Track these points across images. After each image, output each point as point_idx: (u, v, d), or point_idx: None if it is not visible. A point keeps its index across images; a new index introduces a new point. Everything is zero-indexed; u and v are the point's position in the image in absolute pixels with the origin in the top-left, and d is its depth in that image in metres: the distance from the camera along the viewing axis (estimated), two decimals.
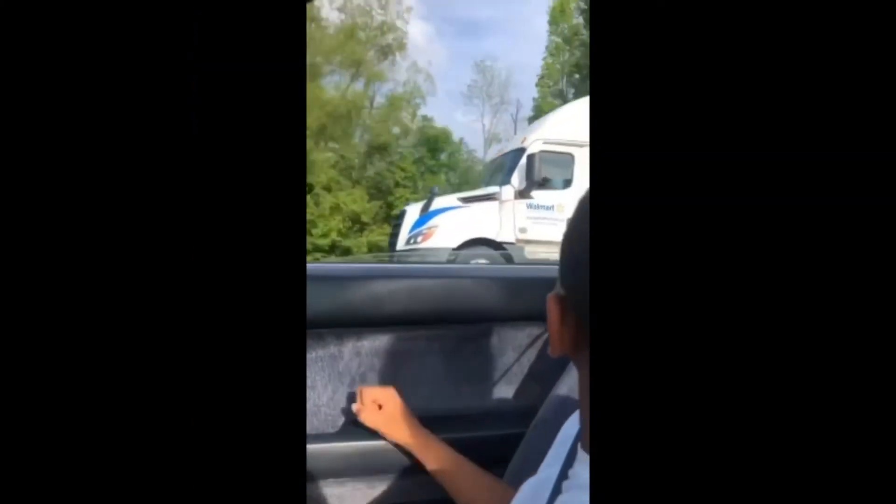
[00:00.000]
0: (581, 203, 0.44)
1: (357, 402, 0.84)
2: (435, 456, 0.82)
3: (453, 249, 5.82)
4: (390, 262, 6.47)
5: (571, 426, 0.56)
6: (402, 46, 18.16)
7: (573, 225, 0.44)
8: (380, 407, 0.83)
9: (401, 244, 6.27)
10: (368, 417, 0.83)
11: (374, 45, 17.63)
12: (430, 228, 5.99)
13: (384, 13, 17.49)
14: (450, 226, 5.99)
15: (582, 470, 0.43)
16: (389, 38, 17.69)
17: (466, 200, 6.31)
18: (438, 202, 6.27)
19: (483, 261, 5.77)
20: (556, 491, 0.45)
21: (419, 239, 6.01)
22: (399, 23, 17.77)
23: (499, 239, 5.96)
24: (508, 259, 5.79)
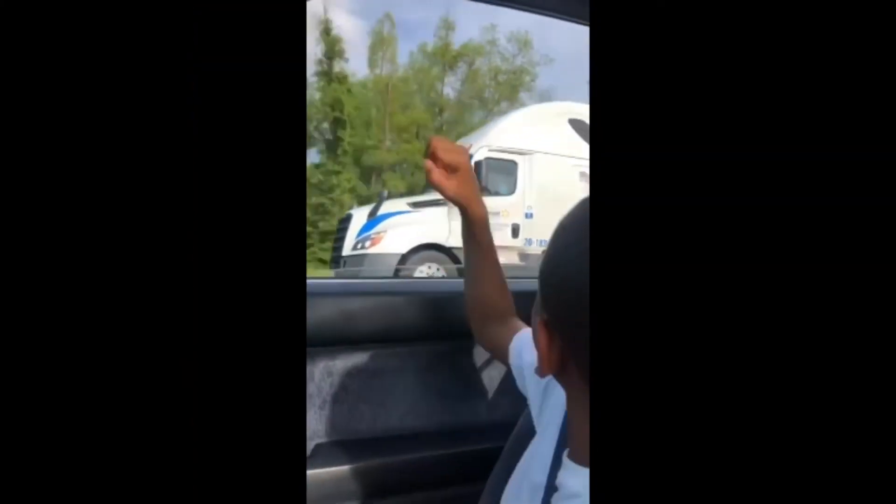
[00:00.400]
0: (558, 231, 0.45)
1: (428, 158, 0.76)
2: (478, 230, 0.80)
3: (402, 255, 5.77)
4: (336, 267, 6.35)
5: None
6: (530, 88, 20.31)
7: (553, 251, 0.44)
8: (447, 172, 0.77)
9: (347, 250, 6.15)
10: (438, 180, 0.76)
11: (510, 85, 19.90)
12: (378, 233, 5.91)
13: (525, 59, 19.72)
14: (398, 231, 5.93)
15: (567, 478, 0.44)
16: (525, 79, 19.94)
17: (415, 205, 6.27)
18: (387, 206, 6.21)
19: (432, 265, 5.76)
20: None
21: (367, 244, 5.91)
22: (533, 68, 19.82)
23: (447, 244, 5.94)
24: (457, 263, 5.79)
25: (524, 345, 0.72)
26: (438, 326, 0.97)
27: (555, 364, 0.45)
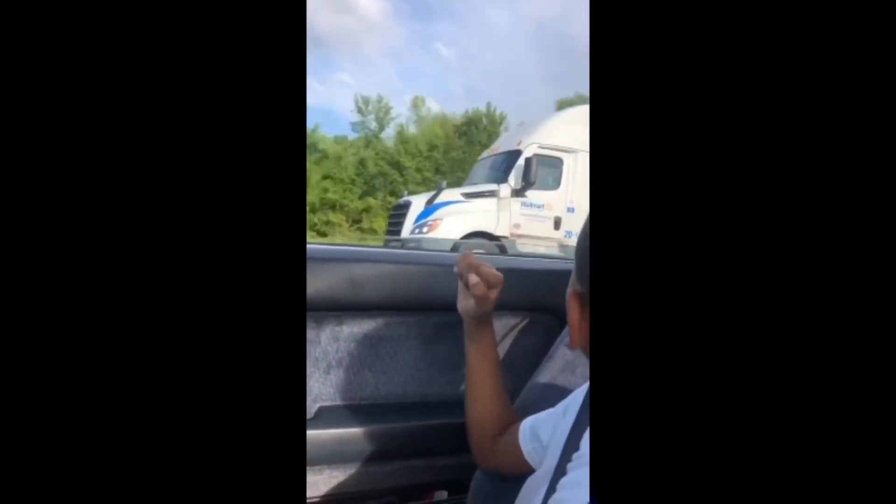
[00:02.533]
0: None
1: (469, 274, 0.68)
2: (492, 344, 0.74)
3: (456, 241, 5.79)
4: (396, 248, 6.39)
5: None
6: None
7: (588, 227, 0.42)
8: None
9: (405, 233, 6.20)
10: (484, 293, 0.69)
11: None
12: (434, 220, 5.94)
13: None
14: (453, 218, 5.95)
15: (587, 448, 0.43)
16: None
17: (468, 196, 6.26)
18: (444, 195, 6.22)
19: (480, 251, 5.73)
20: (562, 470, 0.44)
21: (424, 229, 5.95)
22: None
23: (496, 233, 5.93)
24: (502, 250, 5.75)
25: (531, 424, 0.66)
26: (444, 296, 0.91)
27: (586, 337, 0.42)
